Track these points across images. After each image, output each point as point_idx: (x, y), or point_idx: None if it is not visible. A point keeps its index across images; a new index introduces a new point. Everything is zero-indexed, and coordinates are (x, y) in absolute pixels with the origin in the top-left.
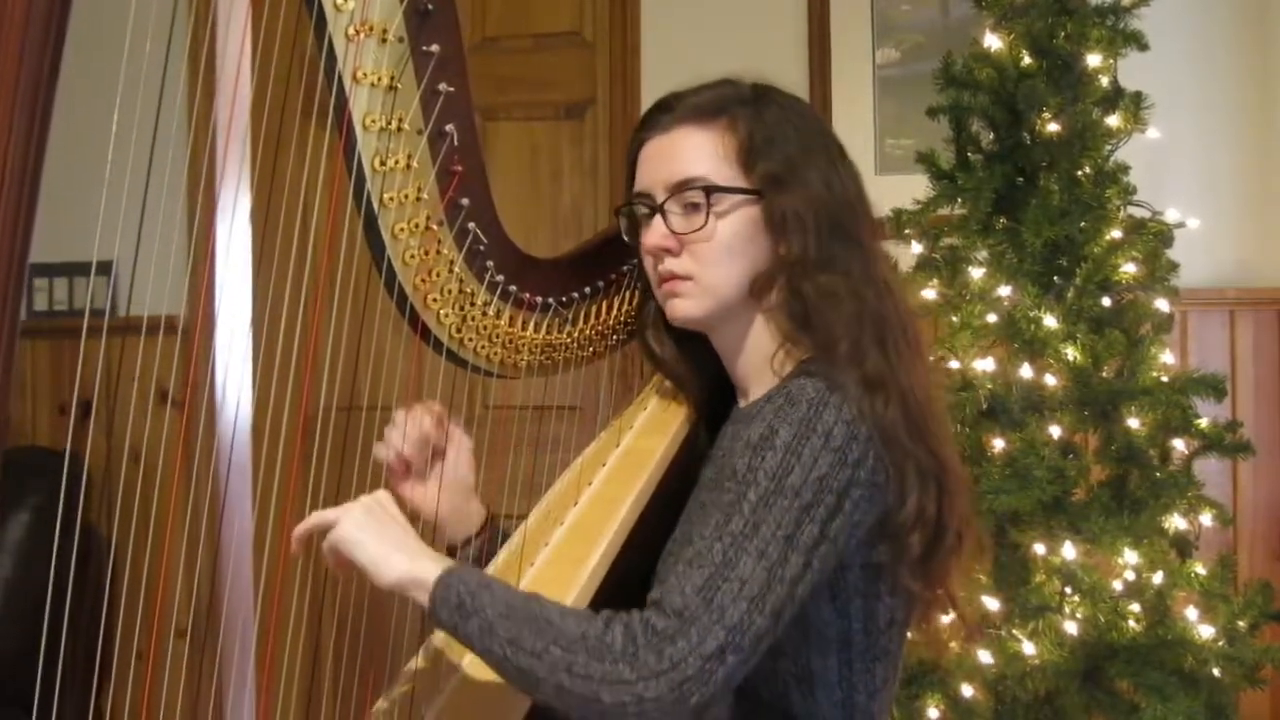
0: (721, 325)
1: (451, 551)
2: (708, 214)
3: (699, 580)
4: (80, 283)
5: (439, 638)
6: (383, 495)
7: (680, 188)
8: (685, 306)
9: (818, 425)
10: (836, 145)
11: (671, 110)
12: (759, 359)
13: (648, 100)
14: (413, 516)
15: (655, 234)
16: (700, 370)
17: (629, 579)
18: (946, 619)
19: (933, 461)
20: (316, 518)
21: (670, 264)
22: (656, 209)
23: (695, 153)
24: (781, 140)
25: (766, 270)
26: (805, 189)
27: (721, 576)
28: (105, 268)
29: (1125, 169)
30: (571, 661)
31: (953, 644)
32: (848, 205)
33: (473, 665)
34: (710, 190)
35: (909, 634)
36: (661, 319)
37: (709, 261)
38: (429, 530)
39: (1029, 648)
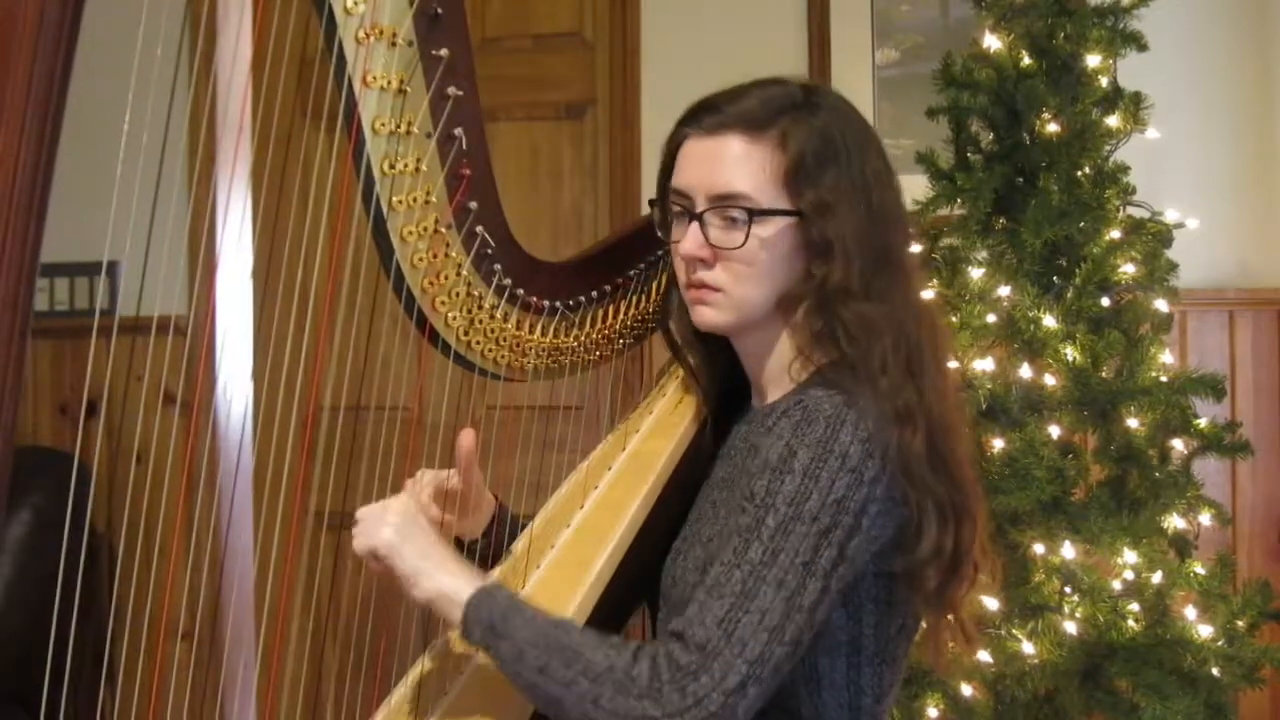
0: (745, 333)
1: (459, 545)
2: (748, 234)
3: (720, 612)
4: (81, 283)
5: (441, 642)
6: (409, 503)
7: (722, 200)
8: (711, 316)
9: (834, 446)
10: (884, 155)
11: (720, 112)
12: (779, 366)
13: (648, 100)
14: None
15: (691, 242)
16: (717, 365)
17: (636, 580)
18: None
19: (954, 494)
20: (362, 515)
21: (703, 274)
22: (695, 216)
23: (741, 166)
24: (831, 160)
25: (798, 290)
26: (852, 215)
27: (742, 608)
28: (107, 268)
29: (1125, 169)
30: (599, 694)
31: (951, 644)
32: (892, 228)
33: (477, 669)
34: (754, 212)
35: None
36: (685, 312)
37: (742, 279)
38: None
39: (1028, 647)
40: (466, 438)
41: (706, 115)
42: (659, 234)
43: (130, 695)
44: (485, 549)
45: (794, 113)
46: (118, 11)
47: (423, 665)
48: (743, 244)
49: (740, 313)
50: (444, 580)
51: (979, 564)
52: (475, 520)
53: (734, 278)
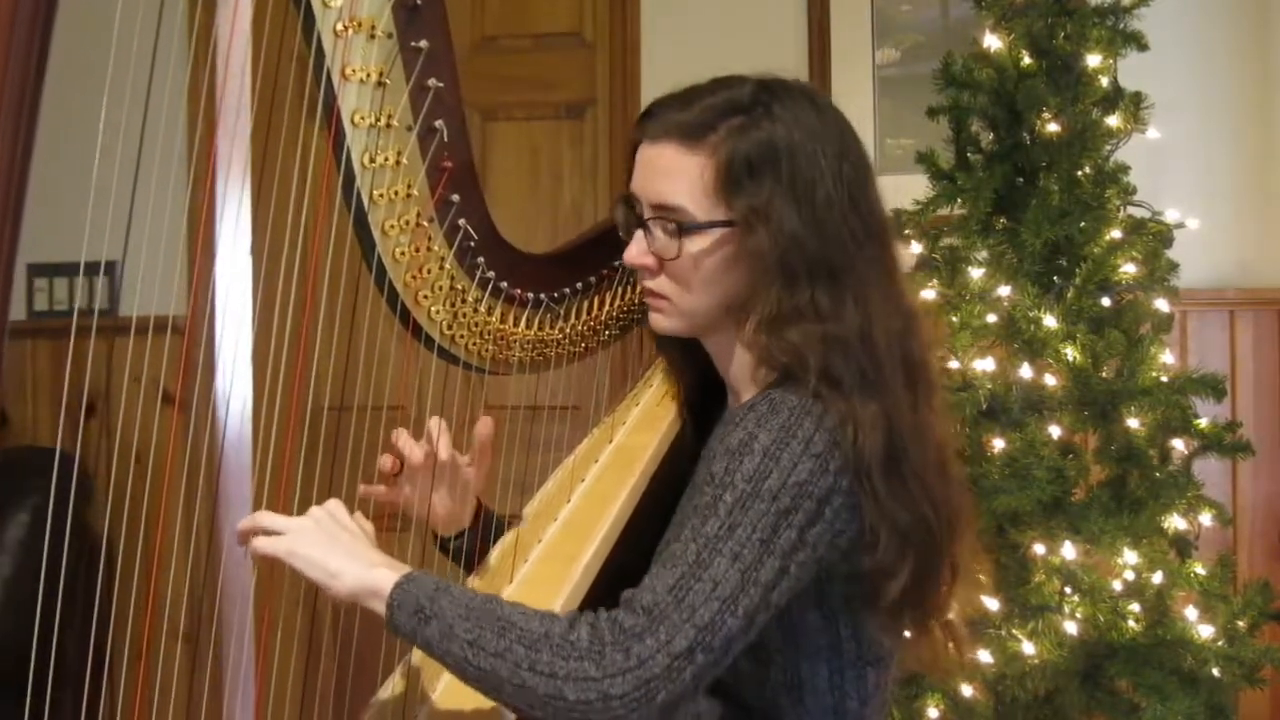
0: (704, 336)
1: (442, 545)
2: (680, 246)
3: (671, 580)
4: (81, 283)
5: None
6: (333, 505)
7: (659, 211)
8: (661, 322)
9: (798, 432)
10: (841, 150)
11: (660, 119)
12: (743, 370)
13: (648, 100)
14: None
15: (634, 249)
16: (695, 364)
17: (623, 575)
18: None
19: (913, 515)
20: (263, 520)
21: (648, 282)
22: (640, 224)
23: (675, 178)
24: (767, 166)
25: (747, 297)
26: (783, 227)
27: (694, 576)
28: (106, 268)
29: (1125, 169)
30: (535, 660)
31: (950, 644)
32: (837, 236)
33: None
34: (683, 226)
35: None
36: None
37: (683, 287)
38: (420, 531)
39: (1029, 647)
40: (485, 425)
41: (649, 122)
42: (621, 235)
43: (128, 695)
44: (459, 548)
45: (736, 118)
46: (117, 9)
47: (411, 662)
48: (677, 255)
49: (688, 320)
50: (364, 573)
51: (958, 568)
52: (456, 514)
53: (676, 287)
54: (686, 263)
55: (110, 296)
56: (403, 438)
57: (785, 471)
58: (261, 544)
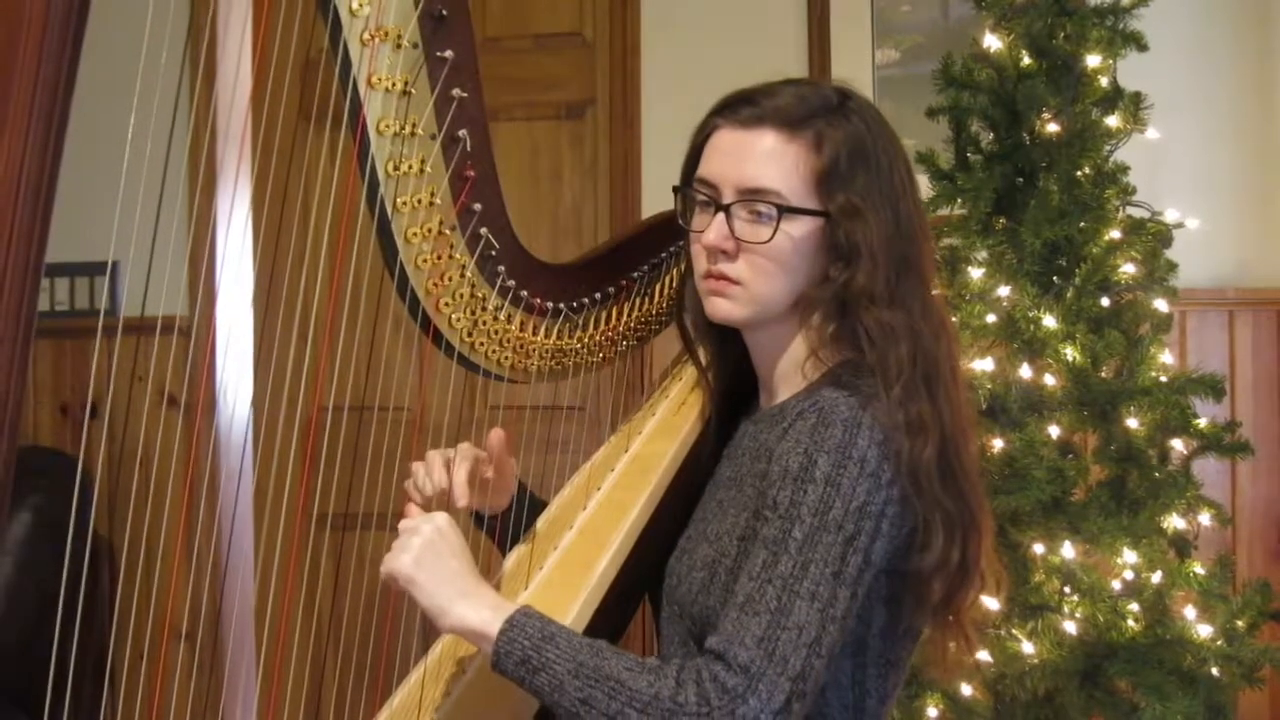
0: (759, 327)
1: (478, 520)
2: (776, 230)
3: (758, 631)
4: (81, 283)
5: (442, 643)
6: (443, 523)
7: (751, 195)
8: (727, 308)
9: (853, 451)
10: (909, 165)
11: (756, 106)
12: (791, 365)
13: (648, 100)
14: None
15: (716, 233)
16: (727, 361)
17: (638, 581)
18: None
19: (962, 508)
20: (401, 529)
21: (724, 266)
22: (721, 207)
23: (775, 164)
24: (861, 165)
25: (814, 292)
26: (880, 221)
27: (779, 625)
28: (109, 268)
29: (1124, 169)
30: None
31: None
32: (916, 237)
33: (477, 670)
34: (783, 209)
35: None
36: (700, 304)
37: (763, 274)
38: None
39: (1028, 647)
40: (497, 435)
41: (743, 107)
42: (680, 222)
43: (131, 697)
44: (500, 528)
45: (829, 115)
46: (121, 13)
47: (424, 666)
48: (770, 239)
49: (757, 307)
50: (467, 613)
51: (985, 573)
52: (498, 500)
53: (755, 272)
54: (775, 247)
55: (112, 297)
56: (436, 466)
57: (847, 498)
58: (388, 565)
